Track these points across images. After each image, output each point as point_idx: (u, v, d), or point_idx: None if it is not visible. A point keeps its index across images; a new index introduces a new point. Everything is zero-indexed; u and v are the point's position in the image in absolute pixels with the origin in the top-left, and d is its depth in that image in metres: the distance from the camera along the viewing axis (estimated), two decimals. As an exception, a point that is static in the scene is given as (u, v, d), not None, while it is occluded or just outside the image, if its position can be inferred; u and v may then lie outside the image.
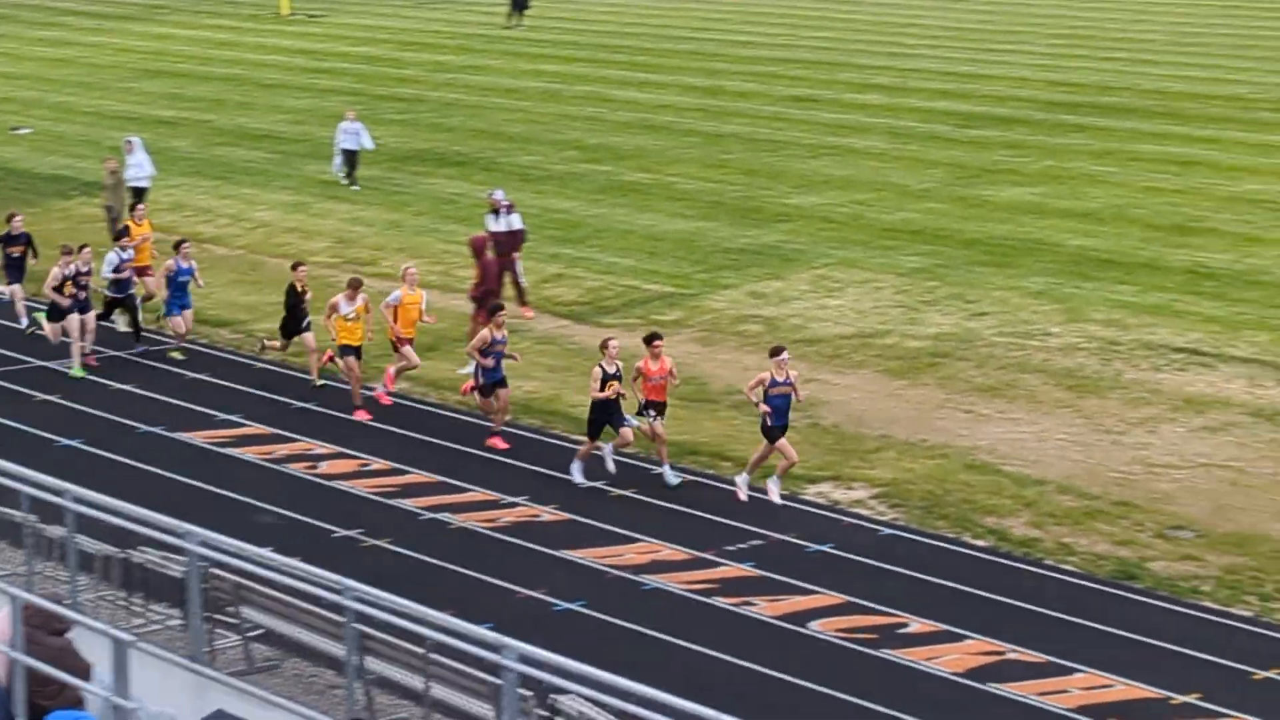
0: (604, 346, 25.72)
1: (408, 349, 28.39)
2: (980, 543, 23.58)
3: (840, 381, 29.84)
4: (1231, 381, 29.79)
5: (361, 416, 27.99)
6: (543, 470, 26.00)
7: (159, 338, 31.89)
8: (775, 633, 20.98)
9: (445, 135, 52.14)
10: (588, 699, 15.10)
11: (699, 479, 25.43)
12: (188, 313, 30.98)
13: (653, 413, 25.46)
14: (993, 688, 19.64)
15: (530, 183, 44.87)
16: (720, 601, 21.77)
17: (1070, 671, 19.95)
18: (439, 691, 16.24)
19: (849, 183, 45.27)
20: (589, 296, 34.98)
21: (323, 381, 29.35)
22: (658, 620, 21.17)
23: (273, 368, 30.57)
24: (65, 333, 30.10)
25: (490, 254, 31.35)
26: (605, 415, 25.37)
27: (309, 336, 29.48)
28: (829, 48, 71.28)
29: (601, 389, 25.22)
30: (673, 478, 25.35)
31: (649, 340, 25.86)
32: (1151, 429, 27.62)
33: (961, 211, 42.07)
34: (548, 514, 24.46)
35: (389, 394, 28.70)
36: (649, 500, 24.96)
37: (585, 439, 25.64)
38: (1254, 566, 22.72)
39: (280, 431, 27.51)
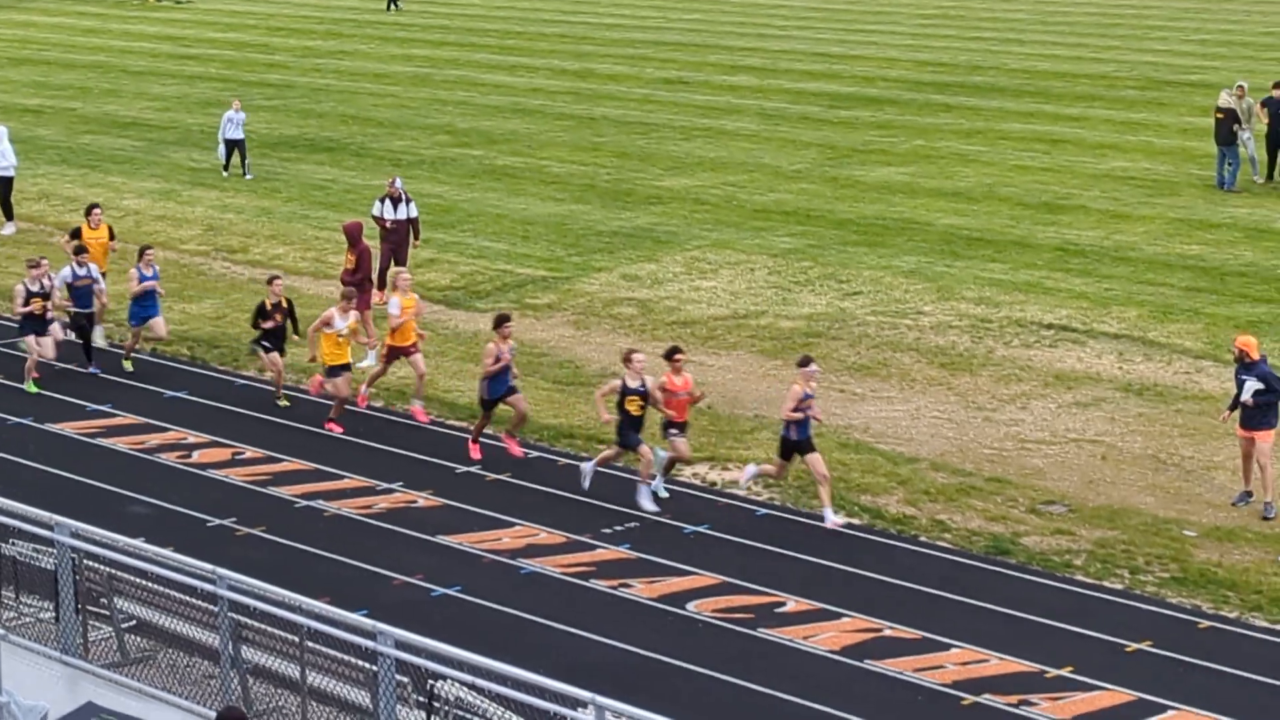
0: (627, 359, 24.11)
1: (398, 361, 27.32)
2: (856, 521, 23.70)
3: (715, 363, 29.90)
4: (1101, 357, 30.10)
5: (335, 429, 26.73)
6: (417, 456, 25.88)
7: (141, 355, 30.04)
8: (653, 614, 21.00)
9: (315, 121, 51.78)
10: (466, 684, 15.06)
11: (575, 462, 25.37)
12: (156, 320, 29.41)
13: (674, 431, 24.17)
14: (869, 665, 19.75)
15: (401, 168, 44.60)
16: (598, 584, 21.77)
17: (946, 647, 20.09)
18: (315, 680, 16.12)
19: (721, 164, 45.37)
20: (462, 281, 34.86)
21: (286, 402, 27.85)
22: (535, 604, 21.14)
23: (142, 356, 30.20)
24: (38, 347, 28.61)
25: (366, 240, 31.13)
26: (632, 430, 23.91)
27: (280, 354, 27.82)
28: (698, 30, 71.42)
29: (621, 403, 23.82)
30: (662, 492, 24.24)
31: (670, 355, 24.30)
32: (1023, 405, 27.87)
33: (833, 192, 42.26)
34: (423, 499, 24.36)
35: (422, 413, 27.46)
36: (525, 484, 24.90)
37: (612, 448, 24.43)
38: (1125, 540, 22.98)
39: (152, 421, 27.22)
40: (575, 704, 14.39)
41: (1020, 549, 22.67)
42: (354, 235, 30.61)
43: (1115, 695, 19.05)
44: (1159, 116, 51.44)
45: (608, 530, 23.31)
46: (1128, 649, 20.17)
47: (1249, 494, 23.97)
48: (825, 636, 20.40)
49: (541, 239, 37.99)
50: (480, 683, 14.91)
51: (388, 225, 32.95)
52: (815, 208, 40.62)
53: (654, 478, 24.14)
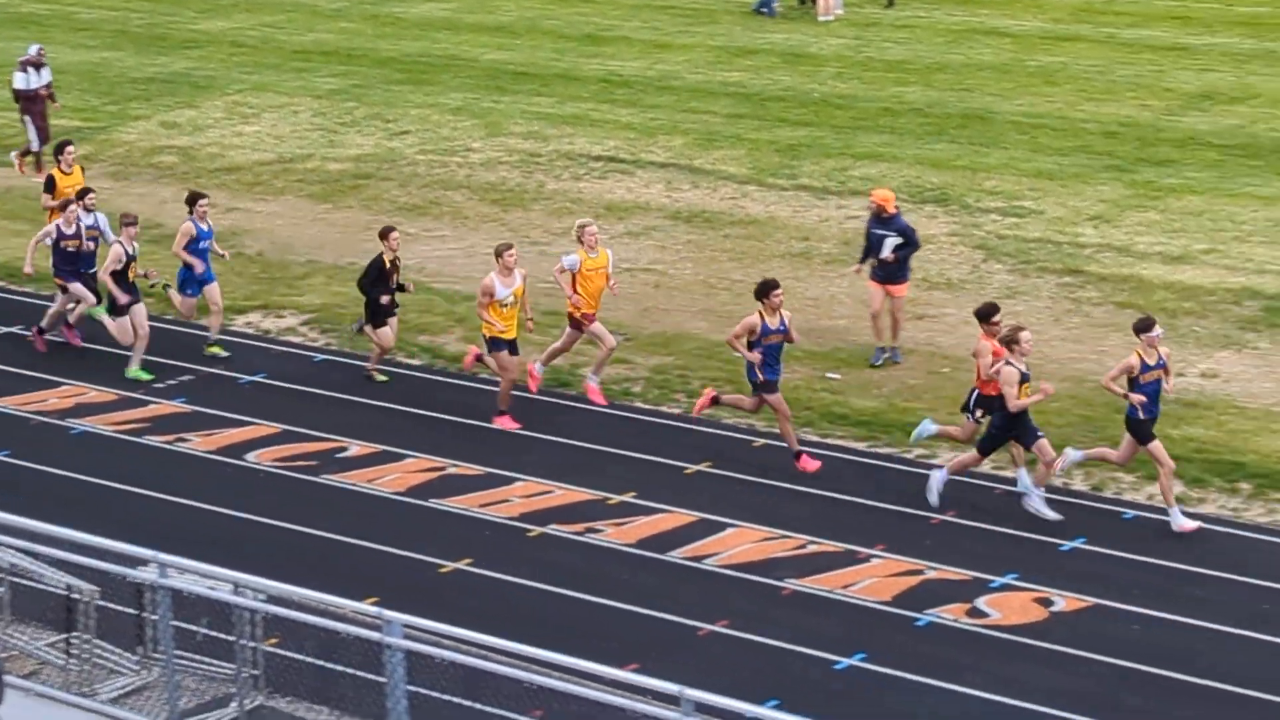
0: (1014, 341, 18.92)
1: (597, 326, 22.29)
2: (415, 362, 23.59)
3: (263, 209, 29.34)
4: (649, 186, 30.40)
5: (507, 424, 21.72)
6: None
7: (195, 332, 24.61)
8: (212, 467, 20.64)
9: None
10: (20, 550, 14.64)
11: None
12: (211, 288, 23.73)
13: (979, 412, 19.75)
14: (434, 503, 19.73)
15: (-80, 19, 42.66)
16: (153, 440, 21.28)
17: (510, 481, 20.18)
18: None
19: (257, 5, 44.37)
20: (-8, 135, 33.53)
21: (384, 377, 23.20)
22: (88, 464, 20.59)
23: None
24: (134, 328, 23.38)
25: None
26: (1013, 427, 19.19)
27: (392, 327, 23.01)
28: None
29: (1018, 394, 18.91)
30: (1038, 506, 19.26)
31: (988, 314, 19.78)
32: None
33: (375, 30, 41.72)
34: (-37, 364, 23.50)
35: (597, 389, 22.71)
36: (70, 343, 24.15)
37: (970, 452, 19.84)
38: (680, 365, 23.33)
39: None
40: (136, 562, 14.11)
41: (579, 380, 22.81)
42: None
43: (678, 517, 19.38)
44: (694, -54, 51.88)
45: (160, 385, 22.77)
46: (687, 471, 20.52)
47: (884, 349, 23.36)
48: (390, 479, 20.30)
49: (74, 89, 36.68)
50: (36, 547, 14.50)
51: (43, 94, 31.46)
52: (357, 47, 40.05)
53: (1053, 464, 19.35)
